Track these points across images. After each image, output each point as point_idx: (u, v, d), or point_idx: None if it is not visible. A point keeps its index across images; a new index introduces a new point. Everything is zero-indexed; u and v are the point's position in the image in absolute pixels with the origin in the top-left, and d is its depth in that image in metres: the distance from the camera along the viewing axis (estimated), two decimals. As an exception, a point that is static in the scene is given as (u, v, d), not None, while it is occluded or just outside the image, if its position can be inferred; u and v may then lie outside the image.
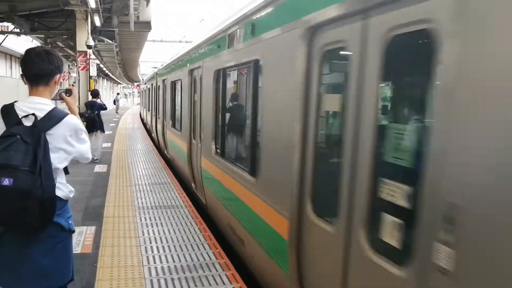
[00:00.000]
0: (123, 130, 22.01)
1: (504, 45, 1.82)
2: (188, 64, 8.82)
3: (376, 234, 2.60)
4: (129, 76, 62.59)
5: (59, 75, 3.12)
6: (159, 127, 14.48)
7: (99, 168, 11.19)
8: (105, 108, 12.84)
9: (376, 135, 2.62)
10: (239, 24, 5.09)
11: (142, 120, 29.44)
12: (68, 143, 3.00)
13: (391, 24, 2.48)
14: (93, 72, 18.52)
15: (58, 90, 3.33)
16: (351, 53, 2.84)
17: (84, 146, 3.11)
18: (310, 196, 3.38)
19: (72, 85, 26.66)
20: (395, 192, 2.42)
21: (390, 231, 2.46)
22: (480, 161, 1.87)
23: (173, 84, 11.32)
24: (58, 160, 2.95)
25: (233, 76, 6.03)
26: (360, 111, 2.76)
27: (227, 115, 6.24)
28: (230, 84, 6.13)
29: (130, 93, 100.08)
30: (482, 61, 1.93)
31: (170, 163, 11.85)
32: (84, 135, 3.12)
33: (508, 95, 1.84)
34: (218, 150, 6.36)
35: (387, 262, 2.49)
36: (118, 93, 57.20)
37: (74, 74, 31.80)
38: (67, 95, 3.36)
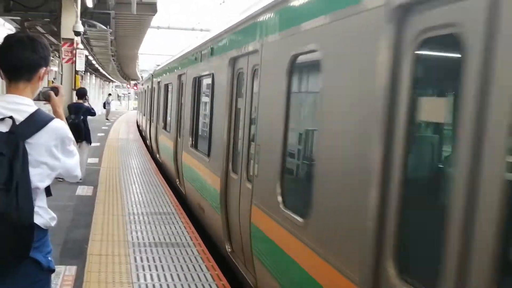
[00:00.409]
0: (115, 142, 22.28)
1: (267, 89, 5.73)
2: (177, 69, 13.07)
3: (248, 171, 6.23)
4: (125, 72, 63.33)
5: (45, 68, 3.18)
6: (153, 130, 18.24)
7: (82, 190, 11.34)
8: (94, 114, 13.05)
9: (248, 124, 6.39)
10: (206, 45, 9.36)
11: (139, 128, 29.88)
12: (53, 155, 3.05)
13: (253, 63, 6.25)
14: (81, 65, 18.79)
15: (42, 88, 3.40)
16: (245, 74, 6.62)
17: (72, 160, 3.17)
18: (230, 162, 7.16)
19: (52, 81, 27.06)
20: (252, 147, 6.02)
21: (252, 166, 6.00)
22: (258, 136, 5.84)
23: (166, 86, 15.34)
24: (39, 177, 3.00)
25: (202, 83, 9.99)
26: (239, 112, 6.91)
27: (198, 115, 10.21)
28: (201, 89, 10.17)
29: (125, 94, 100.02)
30: (263, 91, 5.78)
31: (162, 170, 14.69)
32: (73, 147, 3.17)
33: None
34: (192, 143, 10.30)
35: (248, 182, 6.18)
36: (109, 94, 57.44)
37: (55, 68, 32.12)
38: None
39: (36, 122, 3.03)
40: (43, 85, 3.37)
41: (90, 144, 13.05)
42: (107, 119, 42.48)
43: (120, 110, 74.44)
